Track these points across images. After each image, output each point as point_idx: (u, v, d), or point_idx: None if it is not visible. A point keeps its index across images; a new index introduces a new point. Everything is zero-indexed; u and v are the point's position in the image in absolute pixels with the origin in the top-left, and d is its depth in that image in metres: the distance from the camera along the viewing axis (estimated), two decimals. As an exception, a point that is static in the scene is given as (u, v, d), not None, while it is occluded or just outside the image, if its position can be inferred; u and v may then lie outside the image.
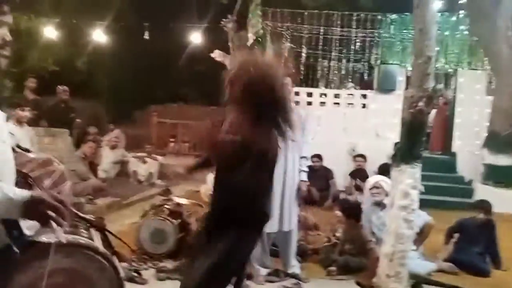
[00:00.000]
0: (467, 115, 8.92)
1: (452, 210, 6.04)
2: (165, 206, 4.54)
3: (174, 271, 3.88)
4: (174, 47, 11.65)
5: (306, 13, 10.35)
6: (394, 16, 9.95)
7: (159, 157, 8.71)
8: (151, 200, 6.11)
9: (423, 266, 4.11)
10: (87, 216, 2.49)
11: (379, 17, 10.14)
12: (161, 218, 4.28)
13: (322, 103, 9.39)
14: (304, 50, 10.73)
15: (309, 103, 9.23)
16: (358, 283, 3.93)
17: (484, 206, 4.58)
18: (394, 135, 7.96)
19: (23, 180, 2.71)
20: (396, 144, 6.75)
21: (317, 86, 10.69)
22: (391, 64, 9.67)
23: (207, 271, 2.01)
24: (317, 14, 10.31)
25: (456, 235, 4.62)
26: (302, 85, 9.93)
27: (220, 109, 12.26)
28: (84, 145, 6.83)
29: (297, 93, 9.01)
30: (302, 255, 4.31)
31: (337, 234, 4.57)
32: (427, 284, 3.92)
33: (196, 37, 10.90)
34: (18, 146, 3.85)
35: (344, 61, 11.16)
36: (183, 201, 4.84)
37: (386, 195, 4.30)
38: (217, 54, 9.07)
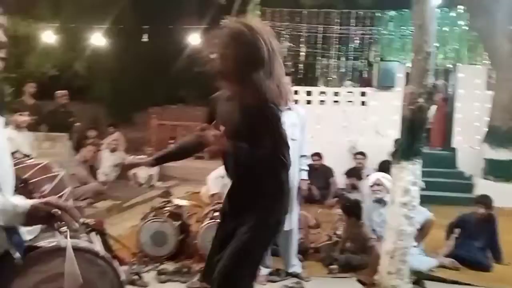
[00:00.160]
0: (467, 111, 8.92)
1: (452, 206, 6.03)
2: (165, 208, 4.54)
3: (175, 273, 3.89)
4: (173, 49, 11.64)
5: (304, 12, 10.35)
6: (392, 13, 9.93)
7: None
8: (151, 203, 6.12)
9: (425, 262, 4.10)
10: (87, 220, 2.50)
11: (378, 14, 10.13)
12: (161, 220, 4.28)
13: (322, 102, 9.39)
14: (303, 49, 10.72)
15: (309, 102, 9.24)
16: (359, 281, 3.93)
17: (484, 201, 4.58)
18: (394, 132, 7.97)
19: (23, 186, 2.73)
20: (396, 140, 6.76)
21: (316, 85, 10.68)
22: (390, 61, 9.66)
23: (234, 257, 2.03)
24: (315, 13, 10.31)
25: (457, 231, 4.61)
26: (301, 84, 9.93)
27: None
28: (84, 149, 6.84)
29: (296, 92, 9.01)
30: (303, 253, 4.30)
31: (338, 232, 4.56)
32: (429, 280, 3.92)
33: (195, 39, 10.90)
34: (18, 152, 3.87)
35: (343, 59, 11.14)
36: (183, 202, 4.83)
37: (387, 192, 4.29)
38: (216, 55, 9.05)
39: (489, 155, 7.81)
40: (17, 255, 1.80)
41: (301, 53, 10.71)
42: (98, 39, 11.27)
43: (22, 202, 1.42)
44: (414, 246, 4.02)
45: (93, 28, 11.13)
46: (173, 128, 10.96)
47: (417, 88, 3.70)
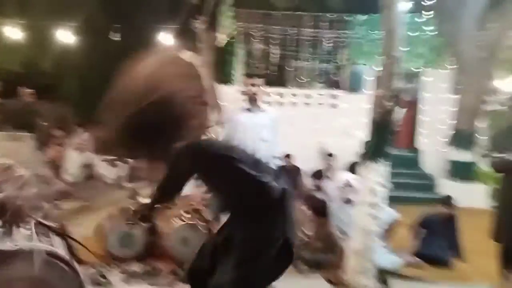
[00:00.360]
0: (433, 114, 9.17)
1: (417, 206, 6.18)
2: (134, 209, 4.47)
3: (143, 275, 3.84)
4: (143, 48, 11.48)
5: (277, 14, 10.41)
6: (362, 17, 10.12)
7: (129, 160, 8.56)
8: (119, 204, 6.01)
9: (390, 261, 4.19)
10: (48, 222, 2.43)
11: (348, 18, 10.29)
12: (129, 221, 4.21)
13: (293, 104, 9.47)
14: (275, 51, 10.78)
15: (280, 104, 9.30)
16: (328, 280, 3.98)
17: (447, 201, 4.73)
18: (363, 134, 8.11)
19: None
20: (366, 142, 6.88)
21: (288, 87, 10.76)
22: (360, 64, 9.84)
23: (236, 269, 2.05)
24: (287, 15, 10.39)
25: (421, 230, 4.74)
26: (273, 85, 9.98)
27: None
28: (50, 148, 6.66)
29: (268, 94, 9.05)
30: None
31: (307, 232, 4.60)
32: (394, 278, 4.00)
33: (166, 38, 10.80)
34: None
35: (314, 61, 11.27)
36: (152, 203, 4.77)
37: (356, 192, 4.37)
38: (187, 55, 8.99)
39: (453, 156, 8.05)
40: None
41: (273, 55, 10.78)
42: (66, 37, 11.01)
43: None
44: (381, 245, 4.11)
45: (61, 25, 10.87)
46: (143, 128, 10.78)
47: (385, 91, 3.79)
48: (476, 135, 8.03)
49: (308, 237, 4.52)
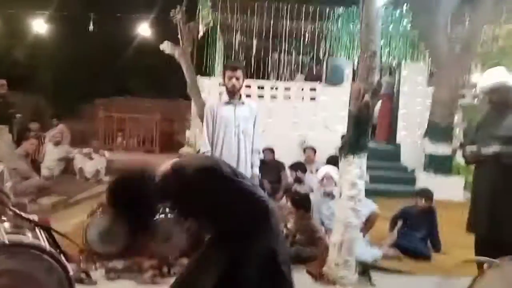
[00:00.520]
0: (410, 106, 9.33)
1: (396, 198, 6.29)
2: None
3: (124, 271, 3.81)
4: (121, 39, 11.30)
5: (256, 5, 10.35)
6: (341, 9, 10.16)
7: (107, 153, 8.46)
8: (98, 198, 5.93)
9: (370, 253, 4.26)
10: (31, 216, 2.39)
11: (327, 10, 10.31)
12: (110, 216, 4.16)
13: (273, 97, 9.48)
14: (254, 43, 10.74)
15: (261, 96, 9.31)
16: (309, 272, 4.03)
17: (425, 193, 4.83)
18: (342, 127, 8.19)
19: (-43, 182, 2.56)
20: (343, 136, 6.95)
21: (268, 79, 10.76)
22: (339, 57, 9.90)
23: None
24: (267, 7, 10.34)
25: (400, 222, 4.83)
26: (253, 77, 9.97)
27: (167, 101, 12.05)
28: (26, 142, 6.50)
29: (248, 86, 9.04)
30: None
31: (289, 226, 4.64)
32: (374, 270, 4.08)
33: (144, 29, 10.63)
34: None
35: (293, 53, 11.28)
36: (133, 197, 4.72)
37: (336, 185, 4.42)
38: (166, 46, 8.89)
39: (429, 149, 8.19)
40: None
41: (252, 47, 10.73)
42: (40, 26, 10.70)
43: None
44: (360, 238, 4.17)
45: (34, 14, 10.56)
46: (121, 120, 10.66)
47: (363, 85, 3.82)
48: (451, 128, 8.19)
49: (289, 230, 4.56)
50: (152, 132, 10.55)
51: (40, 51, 11.73)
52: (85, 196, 6.63)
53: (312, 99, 9.45)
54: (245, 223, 2.00)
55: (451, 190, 7.32)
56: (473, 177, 3.69)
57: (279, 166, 7.38)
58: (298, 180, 6.50)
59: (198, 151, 4.46)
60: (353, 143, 3.89)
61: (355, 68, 8.59)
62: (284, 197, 6.26)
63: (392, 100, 9.82)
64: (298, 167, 6.82)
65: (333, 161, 6.40)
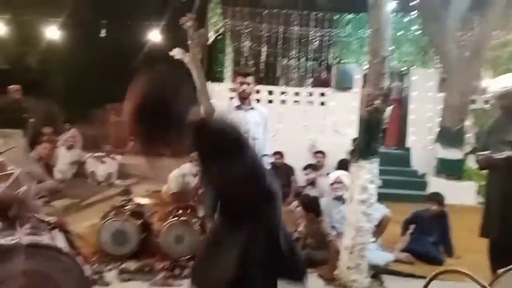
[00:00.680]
0: (420, 112, 9.31)
1: (407, 203, 6.28)
2: (126, 206, 4.47)
3: (137, 272, 3.85)
4: (132, 45, 11.42)
5: (265, 12, 10.43)
6: (350, 16, 10.20)
7: (118, 157, 8.54)
8: (110, 201, 6.00)
9: (382, 257, 4.26)
10: (49, 218, 2.44)
11: (336, 16, 10.37)
12: (122, 218, 4.21)
13: (283, 101, 9.52)
14: (264, 49, 10.81)
15: (270, 101, 9.35)
16: (320, 276, 4.04)
17: (437, 198, 4.81)
18: (352, 131, 8.21)
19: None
20: (354, 140, 6.96)
21: (277, 85, 10.81)
22: (348, 63, 9.94)
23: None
24: (276, 13, 10.42)
25: (412, 226, 4.82)
26: (262, 83, 10.03)
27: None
28: (39, 146, 6.60)
29: (258, 91, 9.10)
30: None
31: (300, 229, 4.66)
32: (386, 274, 4.08)
33: (154, 35, 10.75)
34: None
35: (303, 59, 11.33)
36: (144, 201, 4.78)
37: (346, 189, 4.43)
38: (176, 52, 8.99)
39: (440, 154, 8.18)
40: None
41: (262, 53, 10.80)
42: (52, 32, 10.88)
43: None
44: (372, 242, 4.17)
45: (47, 21, 10.73)
46: (132, 125, 10.72)
47: (373, 90, 3.83)
48: (462, 132, 8.17)
49: (300, 233, 4.57)
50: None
51: (53, 57, 11.89)
52: (96, 199, 6.70)
53: (322, 104, 9.47)
54: (257, 200, 2.10)
55: (462, 195, 7.30)
56: (486, 182, 3.68)
57: (289, 170, 7.41)
58: (311, 183, 6.52)
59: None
60: (364, 148, 3.90)
61: (364, 73, 8.60)
62: (295, 201, 6.26)
63: (401, 106, 9.82)
64: (311, 167, 6.87)
65: (343, 164, 6.43)
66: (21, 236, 1.92)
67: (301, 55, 11.20)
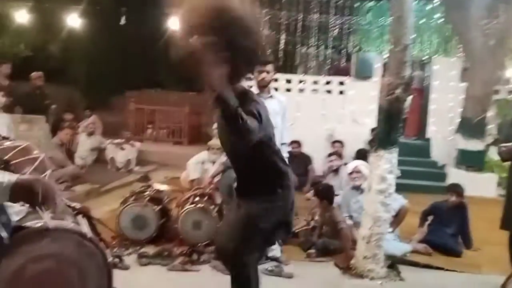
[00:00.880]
0: (441, 102, 9.14)
1: (426, 194, 6.22)
2: (146, 192, 4.55)
3: (155, 257, 3.93)
4: (151, 33, 11.47)
5: (284, 0, 10.35)
6: (371, 3, 10.05)
7: (137, 144, 8.66)
8: (129, 187, 6.10)
9: (399, 248, 4.25)
10: (73, 204, 2.50)
11: (357, 4, 10.22)
12: (142, 204, 4.29)
13: (301, 90, 9.46)
14: (282, 37, 10.74)
15: (288, 90, 9.30)
16: (336, 265, 4.05)
17: (456, 189, 4.75)
18: (370, 121, 8.12)
19: (3, 167, 2.70)
20: (373, 130, 6.90)
21: (295, 73, 10.74)
22: (368, 51, 9.80)
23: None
24: (295, 0, 10.32)
25: (430, 218, 4.78)
26: (281, 71, 9.98)
27: (196, 94, 12.18)
28: (60, 131, 6.73)
29: (276, 80, 9.05)
30: (283, 238, 4.38)
31: (316, 218, 4.67)
32: (403, 264, 4.07)
33: (174, 23, 10.76)
34: (-5, 133, 3.78)
35: (322, 47, 11.23)
36: (163, 187, 4.85)
37: (365, 179, 4.41)
38: (195, 40, 8.98)
39: (461, 145, 8.04)
40: (4, 234, 1.81)
41: (280, 41, 10.73)
42: (73, 20, 11.00)
43: (6, 178, 1.43)
44: (389, 232, 4.16)
45: (68, 8, 10.85)
46: (151, 112, 10.86)
47: (394, 79, 3.78)
48: (483, 123, 8.02)
49: (316, 222, 4.58)
50: (180, 124, 10.70)
51: (74, 44, 12.03)
52: (116, 185, 6.82)
53: (340, 92, 9.37)
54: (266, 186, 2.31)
55: (483, 186, 7.19)
56: (509, 173, 3.62)
57: (307, 159, 7.39)
58: (335, 170, 6.50)
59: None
60: (383, 138, 3.87)
61: (385, 62, 8.48)
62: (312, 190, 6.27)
63: (422, 95, 9.66)
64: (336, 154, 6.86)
65: (361, 154, 6.39)
66: (47, 219, 1.97)
67: (320, 43, 11.10)
